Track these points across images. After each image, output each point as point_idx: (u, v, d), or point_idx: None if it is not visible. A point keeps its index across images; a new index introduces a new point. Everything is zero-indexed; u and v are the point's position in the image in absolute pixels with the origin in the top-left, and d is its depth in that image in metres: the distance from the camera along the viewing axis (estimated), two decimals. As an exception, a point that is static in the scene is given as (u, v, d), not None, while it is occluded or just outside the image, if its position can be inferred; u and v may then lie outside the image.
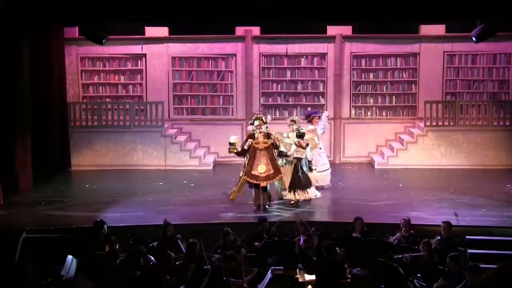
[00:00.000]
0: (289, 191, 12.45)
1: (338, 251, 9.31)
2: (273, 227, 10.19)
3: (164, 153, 16.44)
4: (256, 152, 12.23)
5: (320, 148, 13.83)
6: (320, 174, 13.65)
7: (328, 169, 14.05)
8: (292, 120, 13.11)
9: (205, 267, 8.59)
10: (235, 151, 12.45)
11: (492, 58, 17.44)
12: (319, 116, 14.05)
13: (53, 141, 15.76)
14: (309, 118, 14.13)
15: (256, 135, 12.31)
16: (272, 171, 12.23)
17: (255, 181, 12.22)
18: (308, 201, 12.55)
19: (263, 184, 12.21)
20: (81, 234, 10.32)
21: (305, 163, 12.50)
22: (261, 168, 12.19)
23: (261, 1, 11.58)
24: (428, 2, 11.96)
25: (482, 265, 8.05)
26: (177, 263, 9.03)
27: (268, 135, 12.31)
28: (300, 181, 12.41)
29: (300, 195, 12.41)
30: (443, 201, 12.75)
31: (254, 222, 10.82)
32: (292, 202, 12.49)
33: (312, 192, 12.58)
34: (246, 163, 12.27)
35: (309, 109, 17.33)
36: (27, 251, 9.70)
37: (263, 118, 12.46)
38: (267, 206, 12.24)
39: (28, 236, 10.31)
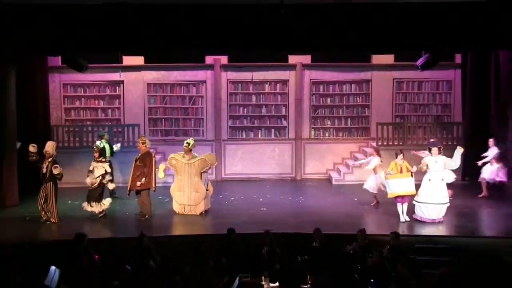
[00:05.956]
0: (88, 203, 12.87)
1: (299, 259, 9.38)
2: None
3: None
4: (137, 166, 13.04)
5: (430, 180, 12.53)
6: (436, 207, 12.39)
7: (446, 203, 12.44)
8: (187, 143, 13.38)
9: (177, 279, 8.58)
10: (34, 157, 12.64)
11: (435, 84, 17.84)
12: (440, 148, 12.67)
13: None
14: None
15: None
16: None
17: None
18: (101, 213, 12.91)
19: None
20: (63, 246, 10.22)
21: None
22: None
23: None
24: (379, 35, 12.14)
25: (428, 271, 8.20)
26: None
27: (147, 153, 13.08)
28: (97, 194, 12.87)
29: (96, 207, 12.82)
30: (393, 213, 12.87)
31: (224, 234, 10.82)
32: (100, 215, 12.88)
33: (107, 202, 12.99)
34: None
35: (272, 130, 17.60)
36: (12, 264, 9.57)
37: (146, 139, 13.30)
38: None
39: (13, 249, 10.20)
